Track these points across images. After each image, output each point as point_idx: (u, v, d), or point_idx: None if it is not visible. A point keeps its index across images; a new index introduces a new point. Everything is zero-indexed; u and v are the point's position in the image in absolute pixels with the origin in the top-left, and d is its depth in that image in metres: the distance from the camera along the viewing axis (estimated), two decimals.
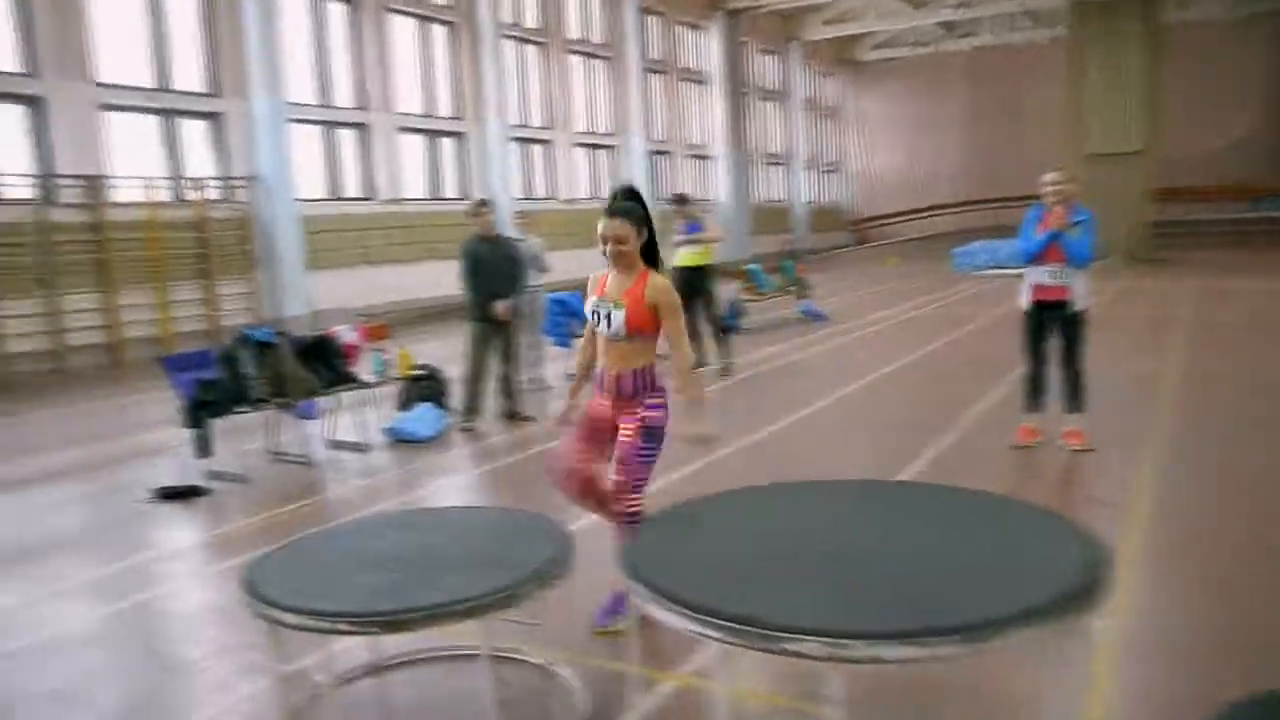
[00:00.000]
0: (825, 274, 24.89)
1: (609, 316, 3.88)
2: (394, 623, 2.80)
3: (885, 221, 42.18)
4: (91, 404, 10.88)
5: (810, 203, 38.59)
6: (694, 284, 9.97)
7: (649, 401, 3.90)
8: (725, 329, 10.48)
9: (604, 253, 3.94)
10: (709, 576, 2.64)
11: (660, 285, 3.87)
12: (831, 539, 2.93)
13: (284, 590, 2.93)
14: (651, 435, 3.88)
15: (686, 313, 10.12)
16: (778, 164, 36.66)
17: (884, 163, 43.44)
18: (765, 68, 35.62)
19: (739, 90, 31.62)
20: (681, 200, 10.53)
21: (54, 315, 13.30)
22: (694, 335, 10.27)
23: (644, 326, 3.86)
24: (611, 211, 3.93)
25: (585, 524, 4.73)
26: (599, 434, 4.01)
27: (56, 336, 13.32)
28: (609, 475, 3.96)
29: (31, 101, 13.62)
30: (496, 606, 2.85)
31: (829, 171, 41.99)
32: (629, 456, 3.85)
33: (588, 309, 4.02)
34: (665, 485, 5.87)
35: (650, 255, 4.00)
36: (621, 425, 3.92)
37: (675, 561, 2.78)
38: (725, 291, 14.44)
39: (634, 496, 3.87)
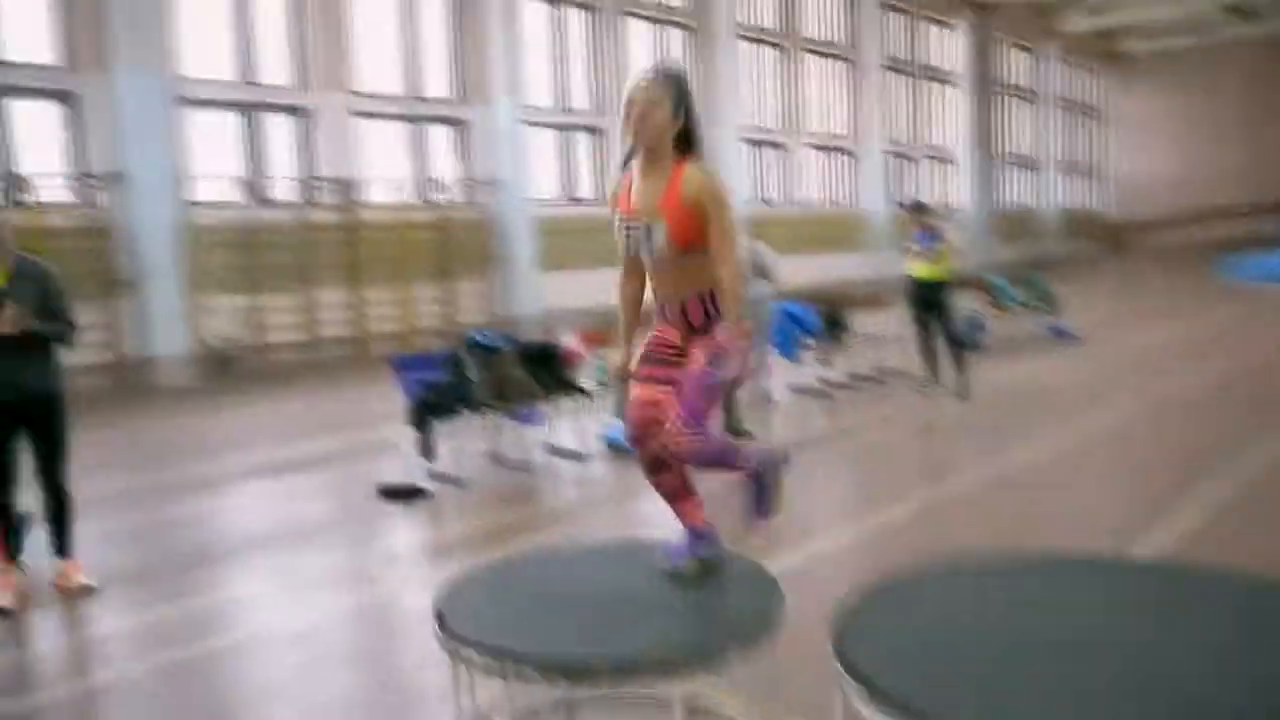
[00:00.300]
0: (1076, 285, 23.06)
1: (648, 235, 3.10)
2: (580, 673, 2.56)
3: (1147, 229, 38.74)
4: (336, 394, 11.51)
5: (1062, 208, 36.05)
6: (928, 298, 9.37)
7: (722, 324, 3.13)
8: (962, 347, 9.72)
9: (626, 137, 3.14)
10: (933, 674, 2.19)
11: (698, 179, 3.06)
12: (1089, 633, 2.38)
13: (472, 624, 2.76)
14: (719, 360, 3.09)
15: (920, 328, 9.58)
16: (1027, 167, 34.48)
17: (1148, 165, 39.87)
18: (1017, 64, 33.57)
19: (987, 89, 29.97)
20: (918, 208, 9.85)
21: (308, 309, 14.24)
22: (928, 353, 9.62)
23: (693, 239, 3.06)
24: (645, 75, 3.12)
25: (789, 564, 4.35)
26: (664, 357, 3.21)
27: (310, 329, 14.26)
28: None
29: (298, 111, 14.64)
30: (692, 667, 2.55)
31: (1084, 175, 39.11)
32: (688, 384, 3.08)
33: (616, 231, 3.23)
34: (886, 523, 5.39)
35: (688, 144, 3.13)
36: (691, 352, 3.16)
37: (894, 651, 2.33)
38: (965, 305, 13.59)
39: (681, 431, 3.07)
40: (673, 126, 3.09)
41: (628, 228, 3.16)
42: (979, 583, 2.80)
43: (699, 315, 3.13)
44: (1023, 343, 13.26)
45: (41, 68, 12.33)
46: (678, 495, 3.29)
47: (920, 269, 9.46)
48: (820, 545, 5.01)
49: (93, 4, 12.37)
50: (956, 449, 7.70)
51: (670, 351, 3.21)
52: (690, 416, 3.07)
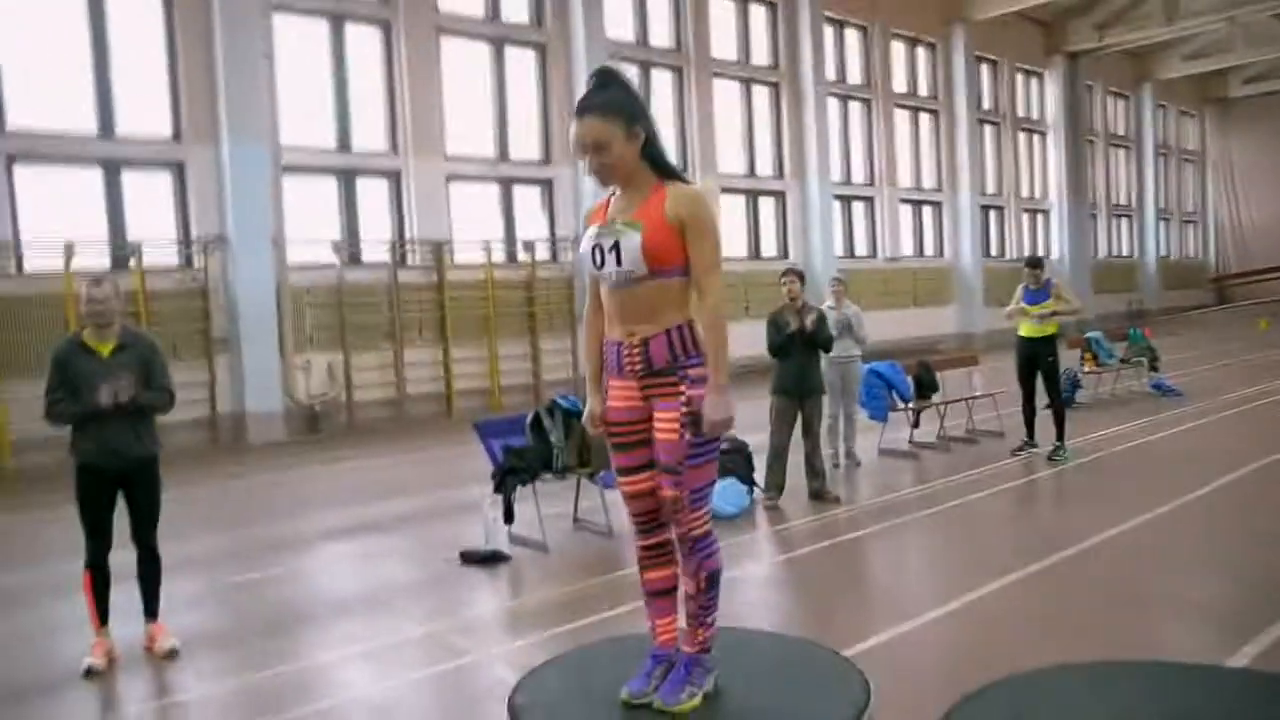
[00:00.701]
0: (1178, 338, 22.23)
1: (616, 247, 2.70)
2: None
3: (1256, 278, 37.16)
4: (421, 452, 11.65)
5: (1162, 257, 34.90)
6: (1034, 356, 9.04)
7: (691, 373, 2.74)
8: (1064, 408, 9.34)
9: (587, 172, 2.82)
10: None
11: (687, 194, 2.73)
12: None
13: None
14: (700, 424, 2.71)
15: (1023, 385, 9.23)
16: (1124, 215, 33.56)
17: (1256, 211, 38.37)
18: (1112, 111, 32.83)
19: (1081, 137, 29.34)
20: (1034, 264, 9.36)
21: (396, 367, 14.51)
22: (1028, 413, 9.29)
23: (669, 257, 2.69)
24: (580, 109, 2.74)
25: (876, 650, 4.16)
26: (636, 440, 2.82)
27: (397, 386, 14.52)
28: (660, 490, 2.81)
29: (392, 175, 15.07)
30: None
31: (1186, 222, 37.87)
32: (676, 461, 2.73)
33: (584, 247, 2.83)
34: (980, 602, 5.15)
35: (662, 165, 2.79)
36: (658, 416, 2.76)
37: None
38: (1065, 362, 13.15)
39: (696, 514, 2.78)
40: (632, 150, 2.75)
41: (598, 238, 2.79)
42: (1091, 692, 2.62)
43: (663, 355, 2.74)
44: (1123, 400, 12.78)
45: (154, 140, 12.95)
46: (667, 601, 2.95)
47: (1028, 327, 9.12)
48: (910, 628, 4.80)
49: (204, 81, 12.98)
50: (1052, 517, 7.39)
51: (635, 429, 2.84)
52: (694, 498, 2.79)
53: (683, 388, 2.77)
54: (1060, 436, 9.11)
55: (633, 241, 2.71)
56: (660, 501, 2.83)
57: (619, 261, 2.74)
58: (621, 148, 2.73)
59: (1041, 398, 9.15)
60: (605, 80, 2.79)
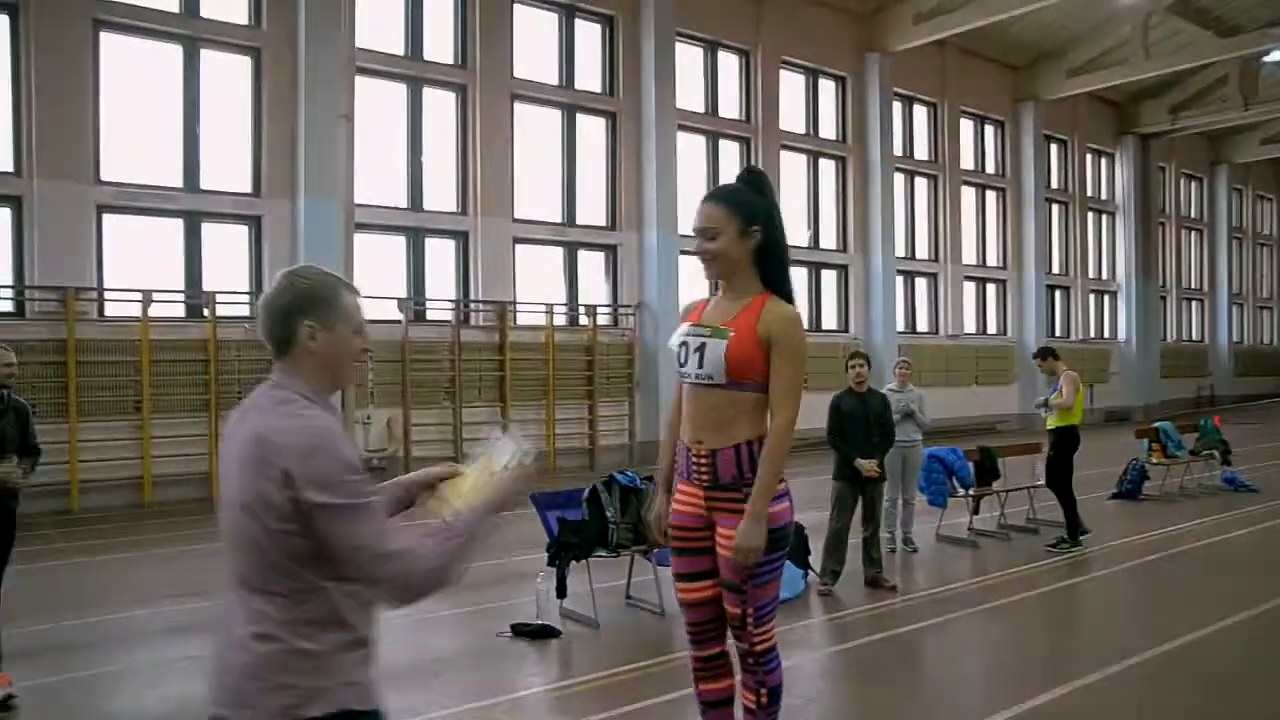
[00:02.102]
0: (1251, 428, 21.58)
1: (701, 350, 2.71)
2: None
3: None
4: None
5: (1235, 343, 34.06)
6: (1050, 448, 9.17)
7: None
8: (1071, 501, 9.09)
9: (697, 254, 2.85)
10: None
11: (783, 313, 2.74)
12: None
13: None
14: (771, 543, 2.71)
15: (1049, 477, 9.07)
16: (1195, 298, 32.89)
17: None
18: (1185, 193, 32.36)
19: (1151, 218, 28.95)
20: (1041, 354, 9.54)
21: (456, 425, 14.62)
22: (1067, 502, 9.07)
23: (750, 370, 2.69)
24: (707, 195, 2.86)
25: None
26: (697, 547, 2.82)
27: (456, 444, 14.62)
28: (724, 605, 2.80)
29: (460, 235, 15.36)
30: None
31: (1262, 307, 36.97)
32: (742, 580, 2.71)
33: (673, 342, 2.86)
34: (1025, 715, 4.97)
35: (775, 276, 2.81)
36: (721, 531, 2.76)
37: None
38: (1130, 451, 12.86)
39: (763, 630, 2.77)
40: (743, 247, 2.78)
41: (687, 336, 2.81)
42: None
43: (730, 470, 2.74)
44: (1192, 495, 12.40)
45: (235, 195, 13.38)
46: (724, 713, 2.92)
47: (1049, 418, 9.25)
48: None
49: (285, 138, 13.42)
50: (1110, 617, 7.15)
51: (697, 535, 2.84)
52: (760, 614, 2.79)
53: (748, 506, 2.74)
54: (1070, 530, 9.01)
55: (718, 348, 2.72)
56: (719, 613, 2.80)
57: (700, 364, 2.76)
58: (731, 241, 2.77)
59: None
60: (746, 177, 2.93)
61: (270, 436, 1.98)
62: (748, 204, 2.79)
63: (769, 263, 2.84)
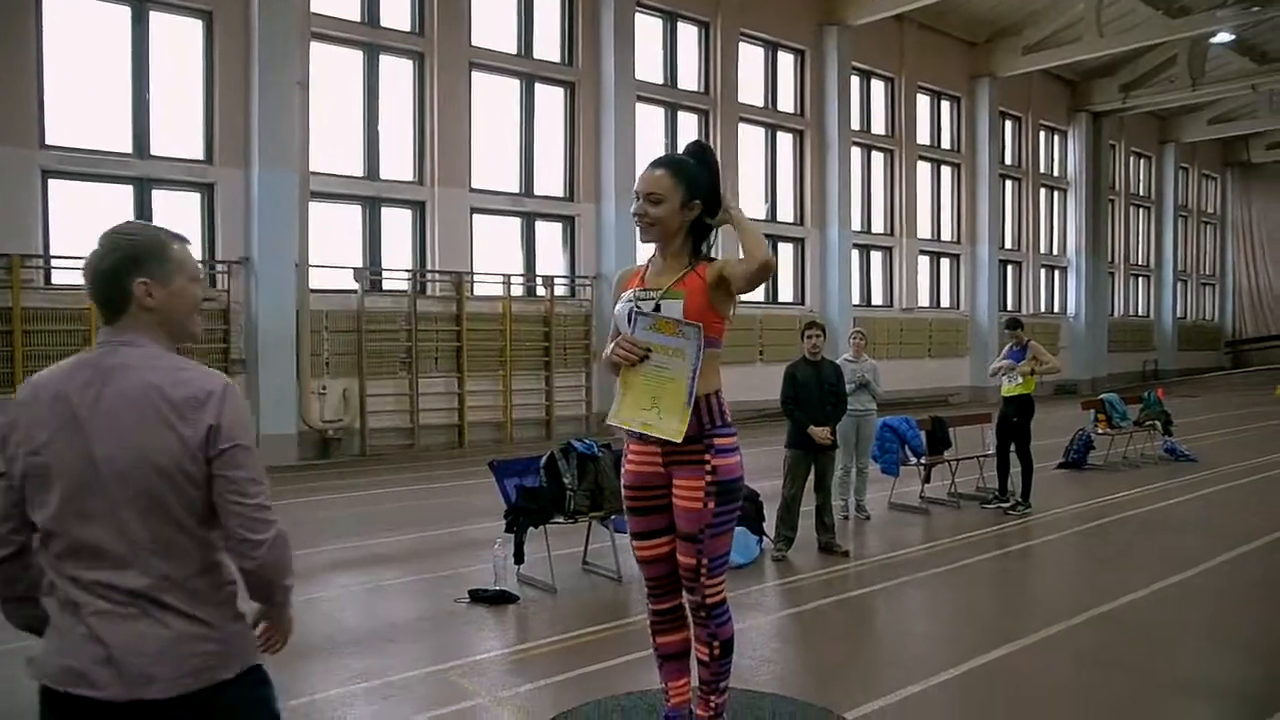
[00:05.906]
0: (1191, 401, 22.14)
1: (657, 310, 2.76)
2: None
3: (1272, 343, 37.08)
4: (433, 483, 11.68)
5: (1179, 318, 34.83)
6: (1010, 413, 9.47)
7: (718, 442, 2.78)
8: (1031, 467, 9.48)
9: (635, 223, 2.90)
10: None
11: (723, 261, 2.82)
12: None
13: None
14: (726, 494, 2.78)
15: (999, 441, 9.41)
16: (1142, 275, 33.56)
17: (1274, 276, 38.35)
18: (1134, 170, 32.92)
19: (1101, 195, 29.45)
20: (1012, 325, 9.81)
21: (412, 396, 14.58)
22: (1002, 467, 9.59)
23: (708, 326, 2.74)
24: (655, 160, 2.89)
25: (878, 712, 4.15)
26: (653, 505, 2.86)
27: (412, 415, 14.58)
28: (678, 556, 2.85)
29: (416, 205, 15.24)
30: None
31: (1204, 284, 37.81)
32: (698, 529, 2.75)
33: (620, 309, 2.90)
34: (981, 666, 5.13)
35: (701, 245, 2.88)
36: (680, 483, 2.80)
37: None
38: (1077, 422, 13.17)
39: (715, 582, 2.82)
40: (681, 218, 2.83)
41: (635, 301, 2.84)
42: None
43: (692, 424, 2.73)
44: (1135, 464, 12.73)
45: (186, 161, 13.13)
46: (681, 664, 3.01)
47: (1005, 387, 9.54)
48: (915, 691, 4.79)
49: (238, 105, 13.19)
50: (1062, 583, 7.36)
51: (653, 494, 2.87)
52: (713, 565, 2.84)
53: (708, 457, 2.80)
54: (1025, 494, 9.44)
55: (674, 308, 2.78)
56: (676, 567, 2.86)
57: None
58: (671, 209, 2.82)
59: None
60: (694, 150, 2.94)
61: (177, 390, 1.96)
62: (694, 177, 2.84)
63: (699, 237, 2.92)
